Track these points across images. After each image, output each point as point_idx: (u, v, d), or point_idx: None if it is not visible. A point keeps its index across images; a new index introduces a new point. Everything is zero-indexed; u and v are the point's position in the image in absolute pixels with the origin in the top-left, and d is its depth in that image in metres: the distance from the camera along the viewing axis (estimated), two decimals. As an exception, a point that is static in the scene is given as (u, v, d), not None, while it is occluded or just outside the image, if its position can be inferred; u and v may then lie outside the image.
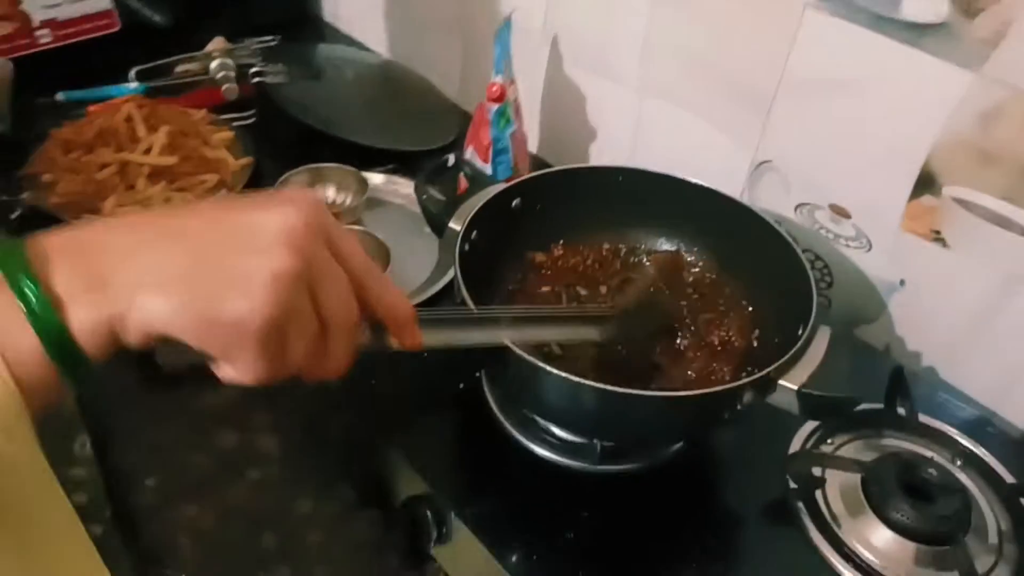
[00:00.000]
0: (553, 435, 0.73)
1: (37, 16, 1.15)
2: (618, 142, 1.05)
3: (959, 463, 0.74)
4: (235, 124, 1.15)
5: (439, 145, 1.14)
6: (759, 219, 0.78)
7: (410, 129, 1.17)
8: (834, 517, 0.69)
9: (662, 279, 0.76)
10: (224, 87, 1.19)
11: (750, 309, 0.79)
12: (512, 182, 0.81)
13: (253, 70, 1.19)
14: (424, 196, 0.79)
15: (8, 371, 0.35)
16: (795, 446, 0.74)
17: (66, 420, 0.75)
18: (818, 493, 0.70)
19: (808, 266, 0.72)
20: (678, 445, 0.74)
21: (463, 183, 0.86)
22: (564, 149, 1.12)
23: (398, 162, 1.10)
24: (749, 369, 0.72)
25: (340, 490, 0.73)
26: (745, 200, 0.85)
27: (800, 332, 0.66)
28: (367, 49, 1.38)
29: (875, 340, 0.88)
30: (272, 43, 1.26)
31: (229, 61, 1.20)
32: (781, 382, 0.62)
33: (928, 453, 0.74)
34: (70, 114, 1.12)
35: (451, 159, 0.86)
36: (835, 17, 0.77)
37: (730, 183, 0.91)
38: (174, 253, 0.38)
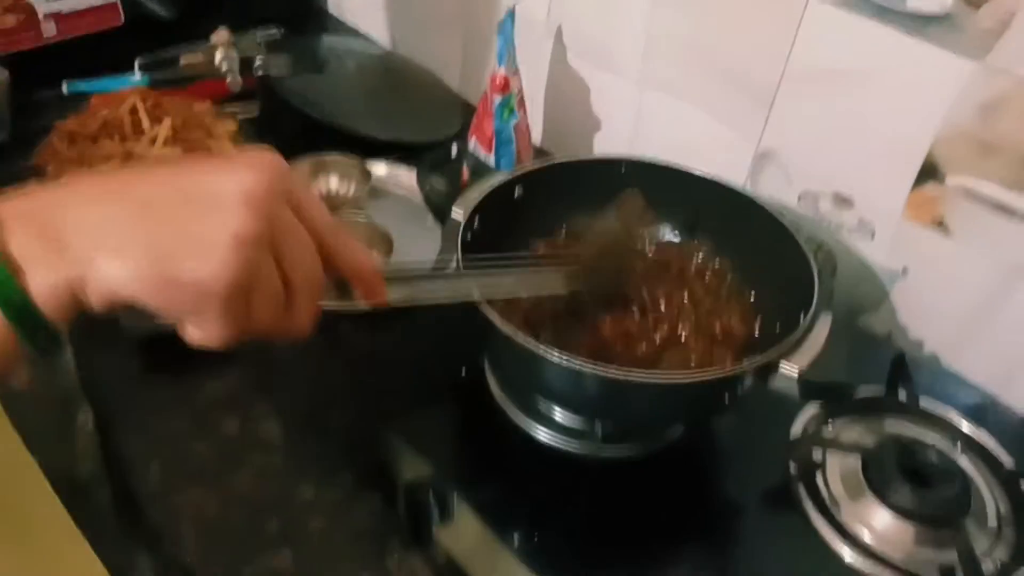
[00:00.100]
0: (555, 420, 0.74)
1: (42, 9, 1.16)
2: (621, 133, 1.05)
3: (959, 447, 0.75)
4: (239, 116, 1.15)
5: (442, 137, 1.14)
6: (761, 208, 0.78)
7: (414, 121, 1.17)
8: (834, 500, 0.69)
9: (627, 234, 0.76)
10: (228, 79, 1.19)
11: (752, 297, 0.80)
12: (514, 173, 0.81)
13: (257, 62, 1.19)
14: (427, 186, 0.80)
15: None
16: (796, 430, 0.74)
17: (68, 394, 0.76)
18: (818, 476, 0.71)
19: (810, 254, 0.72)
20: (679, 429, 0.75)
21: (466, 173, 0.87)
22: (567, 140, 1.13)
23: (401, 154, 1.10)
24: (750, 356, 0.73)
25: (342, 475, 0.73)
26: (748, 190, 0.85)
27: (802, 318, 0.66)
28: (371, 41, 1.39)
29: (878, 328, 0.88)
30: (276, 35, 1.26)
31: (233, 53, 1.20)
32: (782, 367, 0.63)
33: (929, 437, 0.74)
34: (74, 106, 1.12)
35: (454, 149, 0.86)
36: (839, 8, 0.77)
37: (733, 173, 0.91)
38: (133, 215, 0.38)
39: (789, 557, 0.67)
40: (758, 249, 0.79)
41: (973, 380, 0.83)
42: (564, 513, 0.68)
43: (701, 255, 0.84)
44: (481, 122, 0.99)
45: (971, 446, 0.75)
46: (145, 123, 1.05)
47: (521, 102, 1.00)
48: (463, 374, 0.79)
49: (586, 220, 0.78)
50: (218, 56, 1.20)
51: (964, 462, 0.73)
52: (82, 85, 1.16)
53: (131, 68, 1.19)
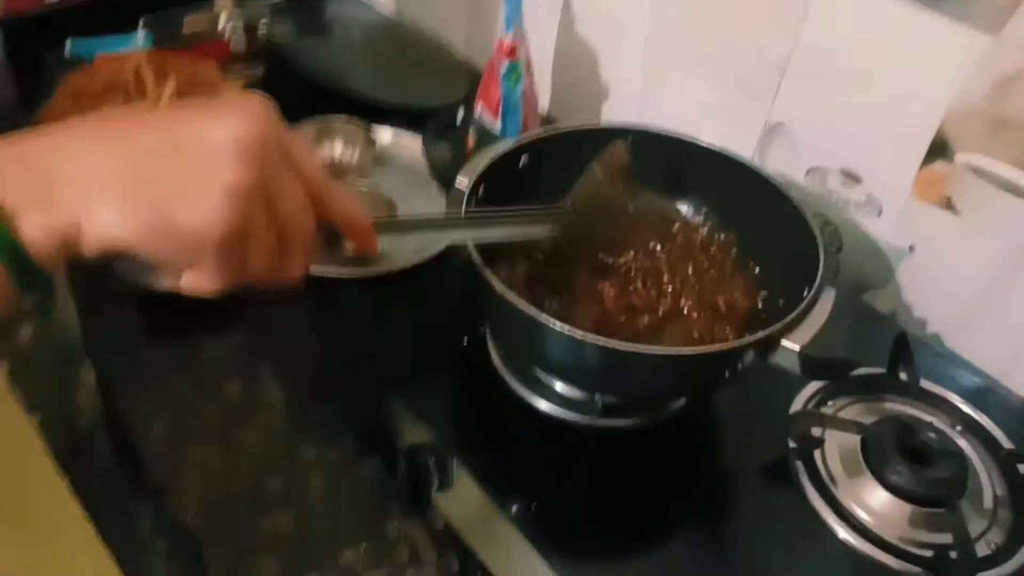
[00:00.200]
0: (555, 390, 0.74)
1: (46, -31, 1.15)
2: (629, 102, 1.04)
3: (959, 429, 0.75)
4: (243, 78, 1.14)
5: (448, 102, 1.13)
6: (768, 182, 0.77)
7: (419, 86, 1.16)
8: (832, 477, 0.70)
9: (611, 182, 0.76)
10: (232, 41, 1.18)
11: (756, 271, 0.79)
12: (520, 140, 0.80)
13: (261, 25, 1.18)
14: (432, 152, 0.79)
15: None
16: (796, 407, 0.74)
17: (71, 352, 0.76)
18: (817, 453, 0.71)
19: (816, 230, 0.72)
20: (680, 402, 0.75)
21: (471, 140, 0.86)
22: (575, 108, 1.12)
23: (407, 119, 1.09)
24: (753, 330, 0.73)
25: (344, 438, 0.73)
26: (756, 163, 0.84)
27: (805, 294, 0.66)
28: (376, 5, 1.37)
29: (882, 306, 0.88)
30: (281, -1, 1.25)
31: (237, 16, 1.19)
32: (784, 342, 0.62)
33: (928, 418, 0.74)
34: (79, 66, 1.12)
35: (460, 115, 0.85)
36: (852, -21, 0.76)
37: (741, 146, 0.90)
38: (128, 163, 0.38)
39: (784, 532, 0.67)
40: (764, 223, 0.78)
41: (976, 362, 0.83)
42: (563, 483, 0.68)
43: (707, 228, 0.84)
44: (488, 88, 0.98)
45: (971, 428, 0.75)
46: (149, 83, 1.04)
47: (528, 68, 0.99)
48: (465, 343, 0.79)
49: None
50: (222, 19, 1.19)
51: (963, 444, 0.73)
52: (86, 45, 1.15)
53: (135, 28, 1.18)
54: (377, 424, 0.74)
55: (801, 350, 0.62)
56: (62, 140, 0.39)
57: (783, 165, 0.89)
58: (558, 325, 0.60)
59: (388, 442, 0.72)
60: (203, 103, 0.41)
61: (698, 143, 0.81)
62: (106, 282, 0.69)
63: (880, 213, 0.84)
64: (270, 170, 0.40)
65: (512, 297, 0.62)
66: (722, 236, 0.83)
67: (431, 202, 0.89)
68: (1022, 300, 0.77)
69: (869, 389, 0.77)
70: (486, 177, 0.75)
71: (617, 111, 1.07)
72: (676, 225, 0.84)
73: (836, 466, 0.70)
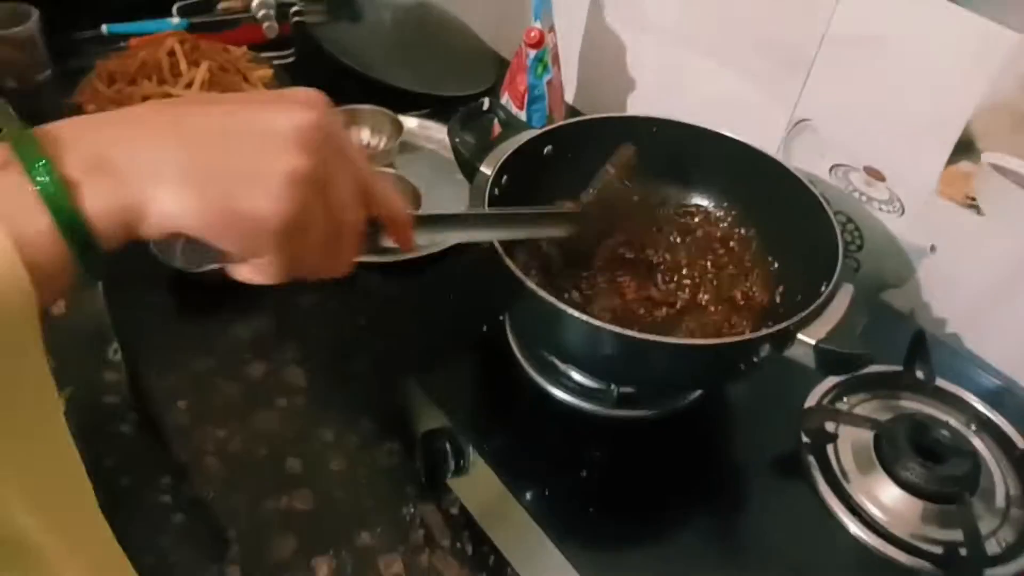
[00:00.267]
0: (572, 379, 0.74)
1: (83, -49, 1.16)
2: (655, 94, 1.05)
3: (973, 427, 0.75)
4: (274, 62, 1.16)
5: (476, 91, 1.14)
6: (792, 177, 0.78)
7: (447, 74, 1.17)
8: (844, 472, 0.70)
9: (626, 180, 0.77)
10: (264, 25, 1.20)
11: (776, 266, 0.80)
12: (545, 129, 0.81)
13: (293, 9, 1.19)
14: (457, 139, 0.79)
15: (19, 253, 0.34)
16: (811, 402, 0.74)
17: (100, 328, 0.78)
18: (830, 448, 0.71)
19: (837, 225, 0.72)
20: (695, 394, 0.75)
21: (496, 128, 0.87)
22: (600, 99, 1.12)
23: (433, 107, 1.10)
24: (769, 324, 0.73)
25: (363, 421, 0.75)
26: (780, 158, 0.84)
27: (823, 289, 0.66)
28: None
29: (901, 305, 0.88)
30: (313, -18, 1.26)
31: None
32: (799, 336, 0.63)
33: (943, 416, 0.75)
34: (114, 48, 1.14)
35: (485, 103, 0.86)
36: (881, -26, 0.76)
37: (766, 141, 0.90)
38: (191, 147, 0.38)
39: (795, 526, 0.68)
40: (786, 218, 0.78)
41: (993, 362, 0.83)
42: (577, 470, 0.69)
43: (727, 221, 0.84)
44: (514, 77, 0.99)
45: (985, 427, 0.75)
46: (183, 66, 1.06)
47: (555, 58, 0.99)
48: (484, 330, 0.80)
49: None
50: (255, 2, 1.20)
51: (977, 442, 0.73)
52: (121, 27, 1.17)
53: (169, 12, 1.20)
54: (395, 409, 0.75)
55: (817, 345, 0.62)
56: (127, 122, 0.39)
57: (807, 162, 0.89)
58: (577, 314, 0.61)
59: (406, 427, 0.74)
60: (264, 93, 0.42)
61: (723, 135, 0.81)
62: (132, 262, 0.70)
63: (903, 212, 0.84)
64: (327, 159, 0.40)
65: (532, 285, 0.63)
66: (742, 230, 0.83)
67: (456, 190, 0.89)
68: (1043, 301, 0.77)
69: (885, 386, 0.77)
70: (510, 166, 0.76)
71: (643, 102, 1.07)
72: (696, 218, 0.84)
73: (849, 462, 0.71)
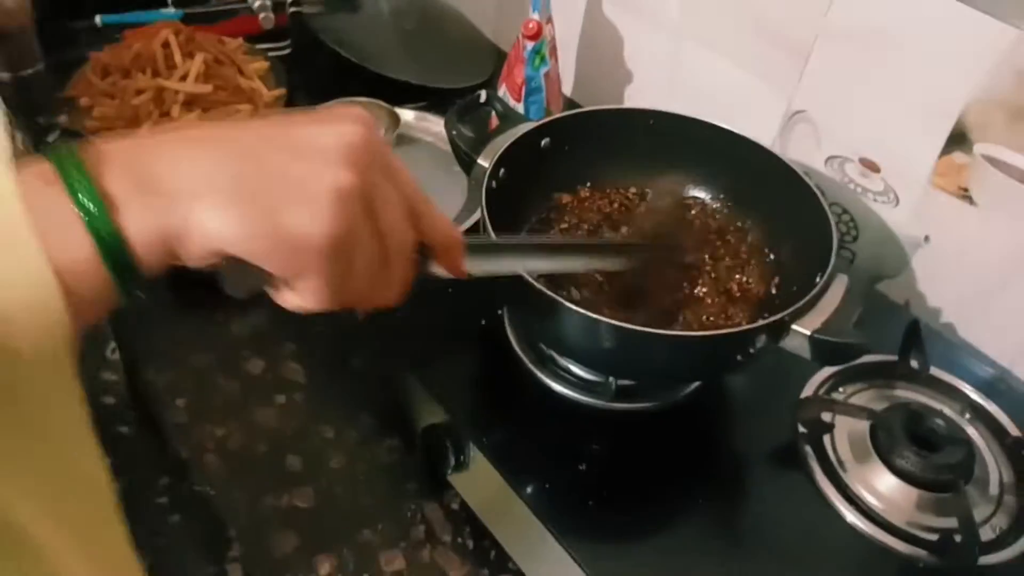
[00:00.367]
0: (570, 372, 0.75)
1: (77, -59, 1.16)
2: (652, 86, 1.05)
3: (968, 416, 0.75)
4: (270, 54, 1.16)
5: (473, 83, 1.14)
6: (787, 168, 0.78)
7: (444, 66, 1.17)
8: (840, 462, 0.71)
9: (679, 217, 0.77)
10: (261, 16, 1.19)
11: (771, 257, 0.80)
12: (542, 121, 0.81)
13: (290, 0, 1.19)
14: (454, 131, 0.80)
15: (57, 278, 0.33)
16: (807, 392, 0.75)
17: (97, 327, 0.78)
18: (826, 438, 0.72)
19: (832, 217, 0.72)
20: (692, 386, 0.76)
21: (494, 121, 0.87)
22: (598, 91, 1.12)
23: (430, 99, 1.10)
24: (765, 316, 0.74)
25: (362, 417, 0.75)
26: (776, 150, 0.84)
27: (818, 280, 0.67)
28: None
29: (896, 295, 0.89)
30: (309, -28, 1.26)
31: (267, -10, 1.20)
32: (794, 327, 0.63)
33: (938, 405, 0.75)
34: (108, 38, 1.13)
35: (483, 96, 0.86)
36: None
37: (762, 132, 0.91)
38: (234, 165, 0.36)
39: (792, 515, 0.69)
40: (781, 209, 0.79)
41: (986, 351, 0.84)
42: (576, 464, 0.69)
43: (724, 213, 0.84)
44: (512, 69, 0.99)
45: (979, 415, 0.75)
46: (177, 58, 1.06)
47: (553, 50, 0.99)
48: (483, 323, 0.80)
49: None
50: (251, -7, 1.20)
51: (971, 431, 0.73)
52: (116, 18, 1.17)
53: (164, 2, 1.19)
54: (394, 404, 0.76)
55: (812, 335, 0.63)
56: (169, 141, 0.38)
57: (803, 153, 0.89)
58: (574, 307, 0.62)
59: (405, 422, 0.74)
60: (307, 112, 0.40)
61: (719, 127, 0.82)
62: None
63: (897, 203, 0.84)
64: (374, 178, 0.39)
65: (530, 279, 0.63)
66: (739, 222, 0.83)
67: (454, 182, 0.89)
68: (1035, 291, 0.78)
69: (880, 376, 0.78)
70: (507, 158, 0.76)
71: (641, 94, 1.07)
72: (693, 211, 0.85)
73: (845, 451, 0.71)
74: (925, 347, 0.77)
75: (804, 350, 0.64)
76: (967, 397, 0.76)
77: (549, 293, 0.62)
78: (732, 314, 0.76)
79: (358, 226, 0.38)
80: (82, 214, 0.34)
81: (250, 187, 0.36)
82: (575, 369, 0.75)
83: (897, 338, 0.78)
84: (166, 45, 1.07)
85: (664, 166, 0.85)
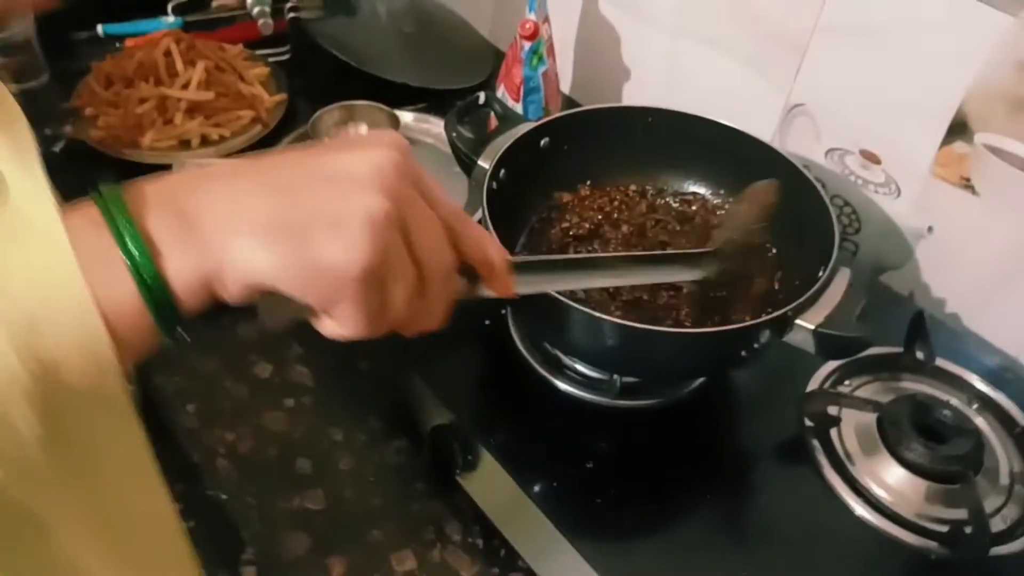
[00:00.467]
0: (575, 371, 0.75)
1: (78, -49, 1.16)
2: (651, 83, 1.05)
3: (975, 406, 0.75)
4: (270, 59, 1.16)
5: (471, 84, 1.15)
6: (786, 162, 0.78)
7: (443, 67, 1.17)
8: (848, 455, 0.71)
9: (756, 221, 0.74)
10: (260, 22, 1.20)
11: (773, 251, 0.80)
12: (541, 121, 0.81)
13: (289, 5, 1.19)
14: (454, 133, 0.80)
15: (104, 321, 0.34)
16: (813, 386, 0.75)
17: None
18: (833, 432, 0.72)
19: (833, 210, 0.72)
20: (697, 382, 0.76)
21: (493, 122, 0.87)
22: (597, 89, 1.12)
23: (430, 100, 1.11)
24: (768, 310, 0.73)
25: (370, 419, 0.76)
26: (776, 144, 0.85)
27: (820, 274, 0.67)
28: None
29: (901, 287, 0.88)
30: (307, -23, 1.26)
31: (265, -4, 1.21)
32: (798, 321, 0.63)
33: (945, 396, 0.75)
34: (110, 48, 1.14)
35: (482, 97, 0.86)
36: (874, -43, 0.76)
37: (762, 126, 0.90)
38: (266, 199, 0.37)
39: (801, 509, 0.69)
40: (782, 203, 0.78)
41: (993, 341, 0.83)
42: (583, 461, 0.69)
43: (726, 207, 0.84)
44: (510, 69, 0.99)
45: (987, 405, 0.75)
46: (179, 66, 1.06)
47: (551, 50, 0.99)
48: (487, 323, 0.81)
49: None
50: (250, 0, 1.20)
51: (979, 421, 0.73)
52: (117, 28, 1.17)
53: (164, 10, 1.20)
54: (401, 406, 0.76)
55: (815, 329, 0.63)
56: (205, 179, 0.38)
57: (803, 146, 0.89)
58: (577, 305, 0.62)
59: (413, 423, 0.74)
60: (339, 140, 0.40)
61: (717, 123, 0.82)
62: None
63: (899, 194, 0.84)
64: (408, 202, 0.38)
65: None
66: (740, 217, 0.83)
67: (455, 183, 0.90)
68: (1041, 278, 0.78)
69: (886, 368, 0.78)
70: (507, 159, 0.76)
71: (639, 91, 1.07)
72: (694, 206, 0.85)
73: (853, 444, 0.71)
74: (930, 338, 0.77)
75: (808, 344, 0.64)
76: (974, 387, 0.76)
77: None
78: (736, 308, 0.76)
79: (393, 252, 0.38)
80: (127, 260, 0.34)
81: (284, 220, 0.36)
82: (580, 367, 0.75)
83: (902, 330, 0.77)
84: (167, 53, 1.07)
85: (664, 163, 0.86)
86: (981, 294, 0.83)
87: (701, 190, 0.86)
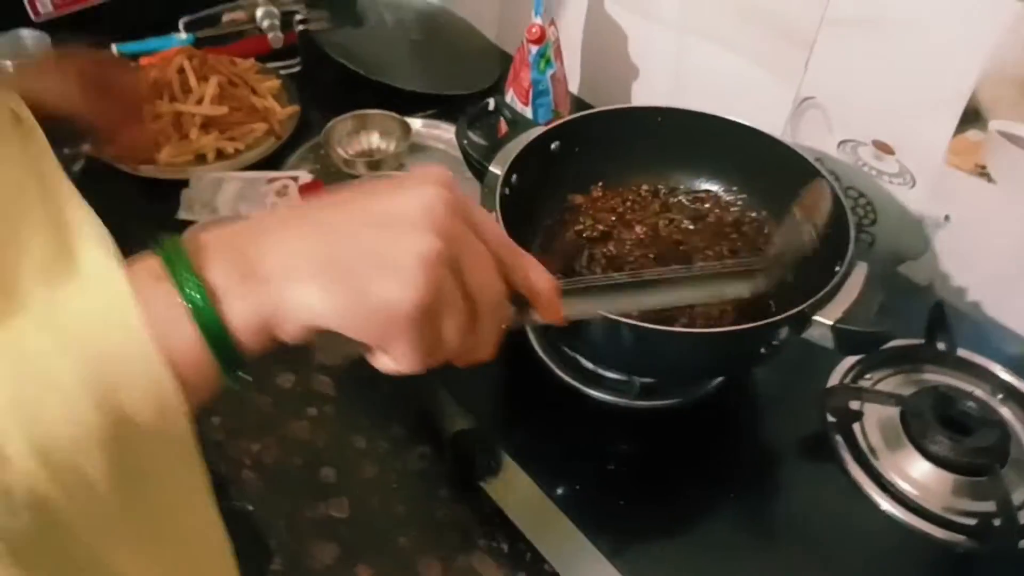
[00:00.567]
0: (594, 373, 0.75)
1: (94, -30, 1.18)
2: (659, 81, 1.05)
3: (1000, 396, 0.75)
4: (281, 72, 1.17)
5: (480, 88, 1.15)
6: (798, 157, 0.78)
7: (451, 72, 1.18)
8: (872, 450, 0.70)
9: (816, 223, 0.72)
10: (270, 35, 1.21)
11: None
12: (551, 125, 0.81)
13: (298, 17, 1.20)
14: (465, 141, 0.80)
15: (170, 367, 0.35)
16: (833, 381, 0.75)
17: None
18: (856, 427, 0.72)
19: (847, 203, 0.72)
20: (716, 381, 0.76)
21: (503, 127, 0.87)
22: (605, 89, 1.12)
23: (440, 106, 1.11)
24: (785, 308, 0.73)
25: (392, 426, 0.76)
26: (787, 138, 0.84)
27: (837, 269, 0.66)
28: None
29: (920, 277, 0.88)
30: (315, -12, 1.27)
31: (274, 9, 1.21)
32: (816, 317, 0.63)
33: (968, 387, 0.75)
34: (124, 67, 1.16)
35: (491, 103, 0.87)
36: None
37: (772, 121, 0.90)
38: (321, 242, 0.38)
39: (826, 506, 0.69)
40: (795, 198, 0.78)
41: (1017, 329, 0.83)
42: (604, 463, 0.70)
43: (739, 205, 0.84)
44: (518, 73, 1.00)
45: (1011, 395, 0.75)
46: (192, 82, 1.07)
47: (558, 52, 0.99)
48: (503, 328, 0.81)
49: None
50: (259, 12, 1.21)
51: (1004, 411, 0.73)
52: (131, 46, 1.19)
53: (176, 27, 1.21)
54: (423, 412, 0.76)
55: (834, 325, 0.63)
56: (260, 227, 0.39)
57: (815, 139, 0.89)
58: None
59: (434, 430, 0.75)
60: (389, 177, 0.41)
61: (727, 119, 0.82)
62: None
63: (914, 184, 0.83)
64: (459, 238, 0.39)
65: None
66: (754, 213, 0.83)
67: (468, 188, 0.90)
68: (1062, 264, 0.77)
69: (907, 360, 0.77)
70: (519, 164, 0.76)
71: (648, 89, 1.07)
72: (707, 204, 0.85)
73: (876, 438, 0.71)
74: (951, 328, 0.76)
75: (827, 341, 0.64)
76: (998, 377, 0.76)
77: (568, 282, 0.62)
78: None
79: (446, 288, 0.38)
80: (190, 307, 0.35)
81: (339, 263, 0.37)
82: (598, 369, 0.75)
83: (922, 321, 0.77)
84: (181, 70, 1.08)
85: (675, 162, 0.86)
86: (1002, 282, 0.82)
87: (713, 187, 0.86)
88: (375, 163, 1.02)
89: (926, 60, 0.77)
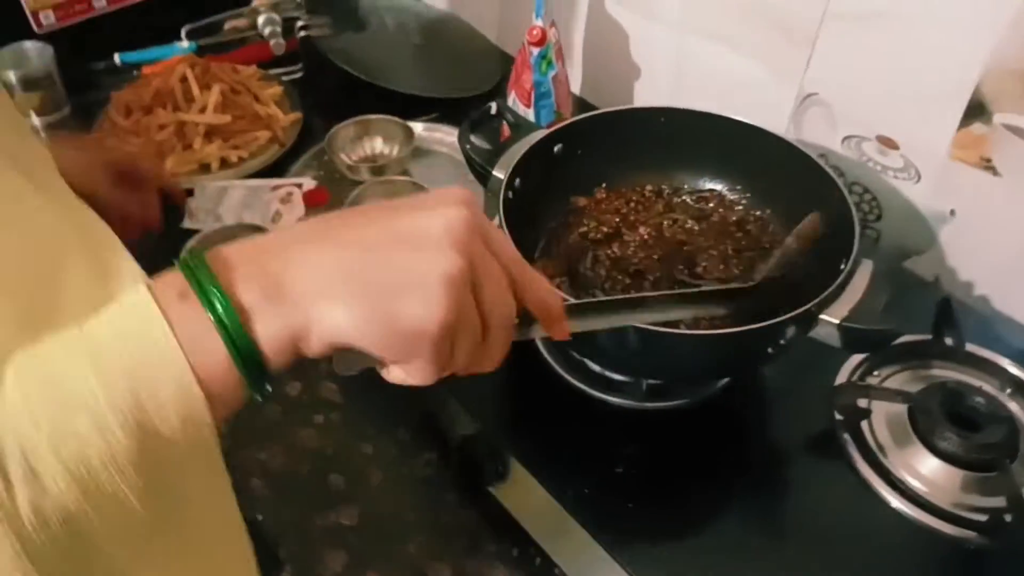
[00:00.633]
0: (601, 376, 0.75)
1: (95, -19, 1.18)
2: (661, 81, 1.04)
3: (1008, 391, 0.74)
4: (283, 78, 1.17)
5: (482, 91, 1.15)
6: (802, 154, 0.77)
7: (453, 76, 1.18)
8: (880, 447, 0.70)
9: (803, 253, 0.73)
10: (272, 42, 1.21)
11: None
12: (553, 128, 0.81)
13: (299, 24, 1.20)
14: (468, 146, 0.80)
15: (198, 383, 0.35)
16: (841, 379, 0.74)
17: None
18: (864, 424, 0.71)
19: (851, 201, 0.72)
20: (724, 381, 0.76)
21: (506, 130, 0.87)
22: (607, 89, 1.12)
23: (442, 109, 1.11)
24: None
25: (399, 433, 0.76)
26: (791, 135, 0.84)
27: (842, 267, 0.66)
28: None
29: (926, 272, 0.87)
30: (316, -6, 1.27)
31: (275, 15, 1.22)
32: (823, 316, 0.63)
33: (976, 382, 0.74)
34: (127, 76, 1.16)
35: (493, 107, 0.87)
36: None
37: (775, 119, 0.90)
38: (348, 263, 0.38)
39: (835, 504, 0.68)
40: (799, 196, 0.78)
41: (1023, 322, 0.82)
42: (612, 466, 0.70)
43: (743, 204, 0.84)
44: (520, 75, 1.00)
45: (1020, 389, 0.74)
46: (195, 90, 1.08)
47: (559, 53, 0.99)
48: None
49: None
50: (261, 19, 1.22)
51: (1013, 406, 0.72)
52: (133, 56, 1.19)
53: (178, 36, 1.21)
54: (429, 418, 0.77)
55: (840, 323, 0.62)
56: (285, 244, 0.39)
57: (818, 135, 0.88)
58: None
59: (441, 435, 0.75)
60: (412, 197, 0.41)
61: (730, 118, 0.81)
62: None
63: (919, 178, 0.83)
64: (479, 258, 0.40)
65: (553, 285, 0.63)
66: (758, 212, 0.83)
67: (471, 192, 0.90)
68: (1070, 256, 0.76)
69: (915, 356, 0.77)
70: (522, 168, 0.76)
71: (650, 89, 1.07)
72: (711, 203, 0.85)
73: (884, 436, 0.71)
74: (959, 323, 0.76)
75: (834, 339, 0.63)
76: (1006, 371, 0.75)
77: (572, 301, 0.62)
78: (759, 306, 0.75)
79: (465, 307, 0.39)
80: (217, 325, 0.36)
81: (365, 283, 0.38)
82: (605, 372, 0.75)
83: (929, 316, 0.77)
84: (183, 79, 1.09)
85: (678, 162, 0.85)
86: (1009, 275, 0.81)
87: (717, 187, 0.86)
88: (379, 168, 1.02)
89: (929, 54, 0.77)
